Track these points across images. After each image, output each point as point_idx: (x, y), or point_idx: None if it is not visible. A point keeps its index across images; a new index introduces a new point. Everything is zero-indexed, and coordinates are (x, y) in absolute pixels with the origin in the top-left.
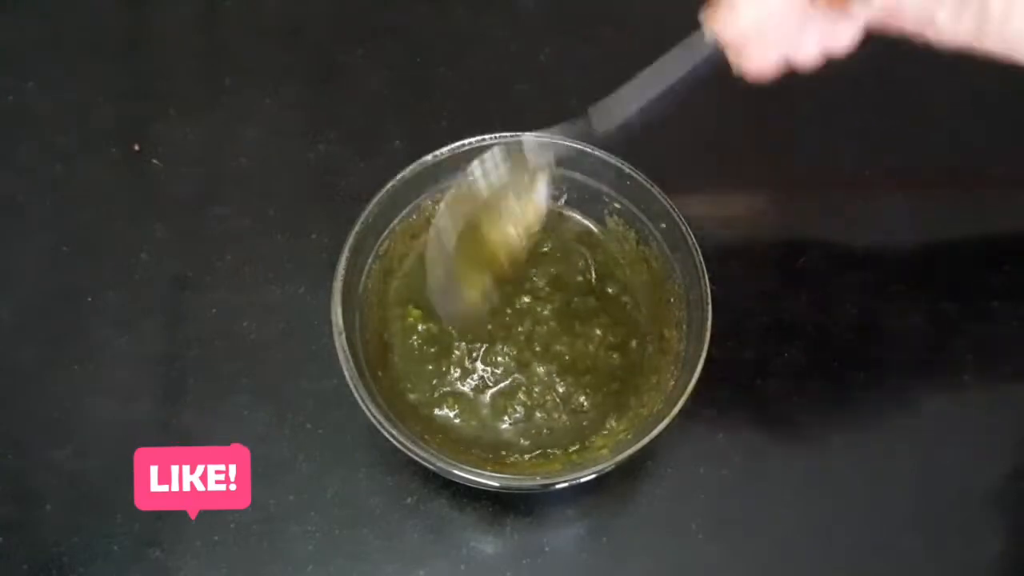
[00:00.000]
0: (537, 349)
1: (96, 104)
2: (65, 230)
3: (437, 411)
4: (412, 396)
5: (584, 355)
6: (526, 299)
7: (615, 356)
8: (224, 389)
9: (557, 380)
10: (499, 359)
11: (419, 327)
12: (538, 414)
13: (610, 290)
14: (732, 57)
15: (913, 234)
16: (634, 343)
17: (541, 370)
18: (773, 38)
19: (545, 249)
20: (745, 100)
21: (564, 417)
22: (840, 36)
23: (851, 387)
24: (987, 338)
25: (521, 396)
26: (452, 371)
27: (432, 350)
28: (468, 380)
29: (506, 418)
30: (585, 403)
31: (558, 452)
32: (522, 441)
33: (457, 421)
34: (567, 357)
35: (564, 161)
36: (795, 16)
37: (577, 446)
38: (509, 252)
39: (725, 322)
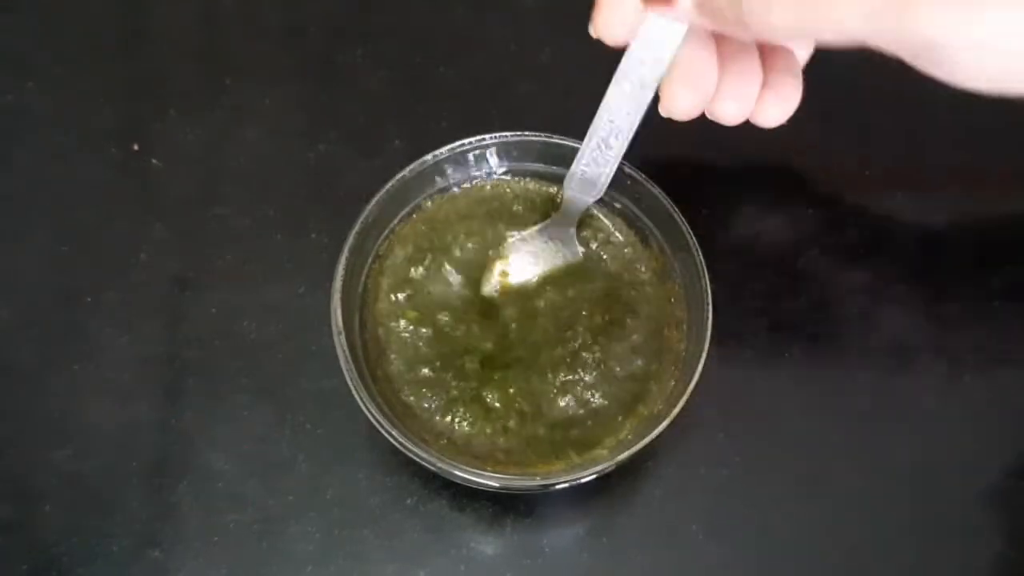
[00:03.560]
0: (538, 350)
1: (96, 104)
2: (65, 230)
3: (438, 414)
4: (411, 399)
5: (585, 355)
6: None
7: (617, 355)
8: (224, 389)
9: (559, 381)
10: (499, 361)
11: (416, 330)
12: (543, 411)
13: (610, 290)
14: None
15: (913, 234)
16: (636, 343)
17: (544, 370)
18: (683, 74)
19: None
20: None
21: (569, 417)
22: (746, 94)
23: (851, 387)
24: (987, 338)
25: (524, 396)
26: (451, 372)
27: (431, 352)
28: (468, 381)
29: (506, 414)
30: (589, 403)
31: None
32: (529, 440)
33: (458, 422)
34: (568, 358)
35: (562, 161)
36: (702, 52)
37: (583, 446)
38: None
39: (725, 322)
